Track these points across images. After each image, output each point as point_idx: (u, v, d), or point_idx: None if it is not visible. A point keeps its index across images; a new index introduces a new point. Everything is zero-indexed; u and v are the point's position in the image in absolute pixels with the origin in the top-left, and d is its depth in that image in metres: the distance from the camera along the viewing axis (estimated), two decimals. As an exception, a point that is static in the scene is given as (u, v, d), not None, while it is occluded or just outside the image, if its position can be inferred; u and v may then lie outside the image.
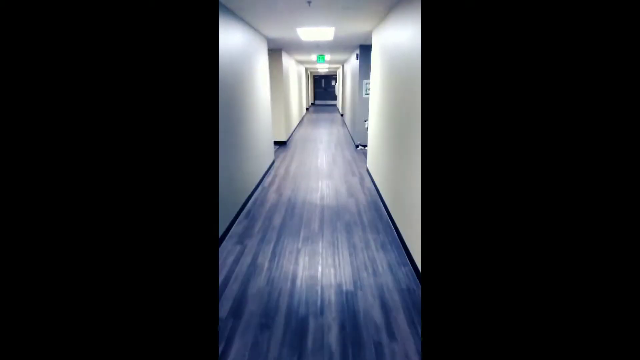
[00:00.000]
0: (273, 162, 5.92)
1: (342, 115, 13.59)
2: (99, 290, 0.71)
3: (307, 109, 16.27)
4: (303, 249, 2.91)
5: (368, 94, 6.69)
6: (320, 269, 2.59)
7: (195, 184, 0.75)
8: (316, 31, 4.56)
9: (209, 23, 0.75)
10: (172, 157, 0.73)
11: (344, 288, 2.33)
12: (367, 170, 5.29)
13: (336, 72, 17.95)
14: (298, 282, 2.42)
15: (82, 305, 0.70)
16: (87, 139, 0.69)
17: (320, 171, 5.43)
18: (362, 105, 6.79)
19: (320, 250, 2.88)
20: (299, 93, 11.16)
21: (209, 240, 0.77)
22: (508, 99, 0.68)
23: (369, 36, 5.15)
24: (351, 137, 8.36)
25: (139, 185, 0.72)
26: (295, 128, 10.04)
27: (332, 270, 2.56)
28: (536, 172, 0.68)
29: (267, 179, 5.01)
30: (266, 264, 2.67)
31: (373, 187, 4.55)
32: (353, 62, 7.90)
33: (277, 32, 4.73)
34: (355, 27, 4.39)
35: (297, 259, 2.74)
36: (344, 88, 12.20)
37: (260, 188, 4.60)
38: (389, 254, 2.80)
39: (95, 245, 0.70)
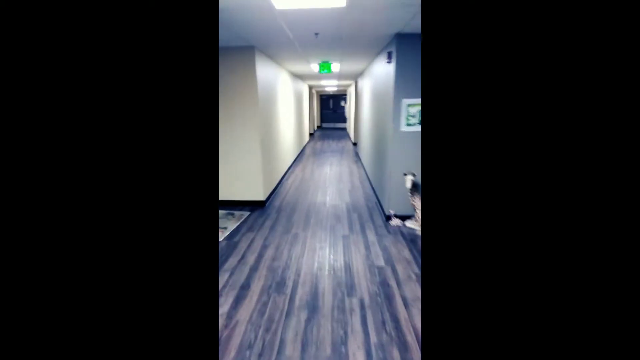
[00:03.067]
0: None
1: (354, 144, 10.49)
2: (98, 289, 0.69)
3: (311, 134, 13.28)
4: None
5: (412, 124, 3.56)
6: None
7: (195, 182, 0.74)
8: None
9: (209, 22, 0.73)
10: (172, 155, 0.72)
11: None
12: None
13: (346, 90, 15.03)
14: None
15: (80, 306, 0.69)
16: (85, 140, 0.68)
17: (314, 331, 2.21)
18: (401, 144, 3.65)
19: None
20: (296, 118, 8.13)
21: (209, 238, 0.77)
22: (509, 99, 0.67)
23: None
24: (376, 197, 4.92)
25: (138, 187, 0.71)
26: (289, 168, 6.93)
27: None
28: (537, 175, 0.67)
29: None
30: None
31: None
32: (377, 73, 4.83)
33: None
34: None
35: None
36: (358, 112, 9.13)
37: None
38: None
39: (94, 243, 0.69)
